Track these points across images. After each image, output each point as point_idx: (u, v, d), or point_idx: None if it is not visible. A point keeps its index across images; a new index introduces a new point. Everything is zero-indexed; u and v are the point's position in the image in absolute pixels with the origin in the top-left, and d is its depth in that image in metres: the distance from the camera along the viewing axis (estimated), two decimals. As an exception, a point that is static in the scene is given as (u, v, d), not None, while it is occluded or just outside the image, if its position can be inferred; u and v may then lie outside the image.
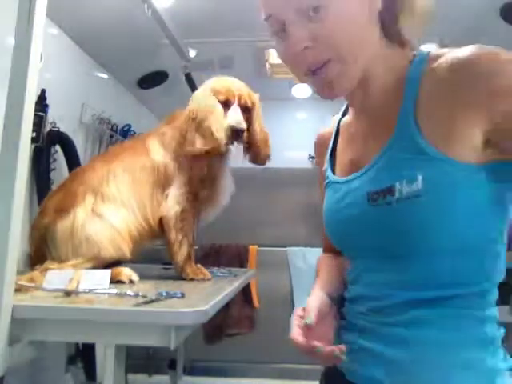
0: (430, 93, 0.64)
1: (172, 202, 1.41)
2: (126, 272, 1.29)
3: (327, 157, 0.85)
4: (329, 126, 0.89)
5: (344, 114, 0.85)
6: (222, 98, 1.44)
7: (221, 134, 1.40)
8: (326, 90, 0.70)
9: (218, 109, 1.42)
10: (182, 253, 1.42)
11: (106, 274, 1.13)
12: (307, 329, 0.70)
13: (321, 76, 0.67)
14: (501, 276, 0.68)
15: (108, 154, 1.55)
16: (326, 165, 0.84)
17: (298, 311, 0.75)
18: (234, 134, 1.42)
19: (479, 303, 0.65)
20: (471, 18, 2.09)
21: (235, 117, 1.43)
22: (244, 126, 1.43)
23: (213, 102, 1.43)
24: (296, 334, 0.71)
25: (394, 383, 0.66)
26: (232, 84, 1.48)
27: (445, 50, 0.66)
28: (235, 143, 1.49)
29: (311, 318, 0.71)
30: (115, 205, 1.35)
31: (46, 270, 1.17)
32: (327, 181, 0.82)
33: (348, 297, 0.78)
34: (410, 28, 0.71)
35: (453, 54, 0.63)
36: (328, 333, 0.71)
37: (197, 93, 1.50)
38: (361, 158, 0.73)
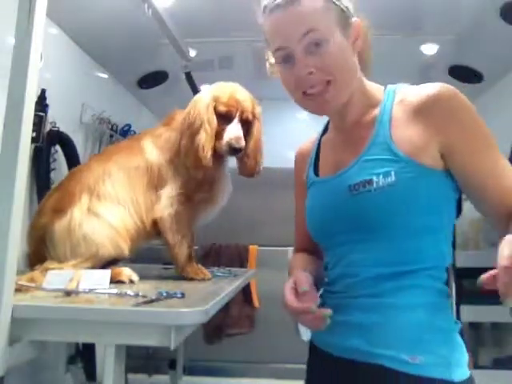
0: (401, 116, 0.84)
1: (164, 204, 1.39)
2: (126, 272, 1.29)
3: (311, 162, 1.01)
4: (307, 140, 1.09)
5: (325, 131, 1.04)
6: (223, 109, 1.39)
7: (208, 154, 1.36)
8: (320, 108, 0.89)
9: (212, 125, 1.38)
10: (182, 253, 1.41)
11: (106, 273, 1.13)
12: (301, 296, 0.84)
13: (318, 96, 0.85)
14: (450, 259, 0.85)
15: (104, 154, 1.54)
16: (309, 171, 1.00)
17: (288, 284, 0.89)
18: (232, 150, 1.40)
19: (436, 277, 0.82)
20: (471, 18, 2.09)
21: (234, 133, 1.38)
22: (242, 144, 1.39)
23: (210, 116, 1.38)
24: (290, 300, 0.85)
25: (372, 345, 0.80)
26: (236, 94, 1.42)
27: (406, 86, 0.88)
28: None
29: (306, 286, 0.85)
30: (111, 203, 1.34)
31: (46, 269, 1.17)
32: (311, 182, 0.98)
33: (327, 281, 0.93)
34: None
35: (419, 89, 0.84)
36: (313, 302, 0.84)
37: (197, 98, 1.45)
38: (341, 163, 0.90)
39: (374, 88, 0.92)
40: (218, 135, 1.40)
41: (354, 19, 0.86)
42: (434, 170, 0.81)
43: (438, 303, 0.82)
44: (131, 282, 1.27)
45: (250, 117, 1.44)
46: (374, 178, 0.80)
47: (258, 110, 1.49)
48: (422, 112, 0.82)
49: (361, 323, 0.82)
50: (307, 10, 0.82)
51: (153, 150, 1.45)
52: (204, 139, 1.36)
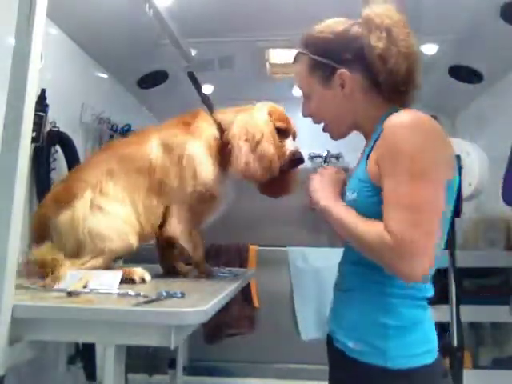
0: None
1: (175, 223, 1.41)
2: (139, 271, 1.27)
3: None
4: None
5: None
6: (282, 125, 1.42)
7: (277, 163, 1.38)
8: (331, 137, 1.12)
9: (275, 137, 1.40)
10: (198, 254, 1.47)
11: (117, 274, 1.12)
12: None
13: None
14: None
15: (110, 149, 1.50)
16: None
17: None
18: (297, 161, 1.42)
19: (387, 277, 0.91)
20: (471, 17, 2.08)
21: (296, 146, 1.43)
22: (303, 156, 1.44)
23: (272, 129, 1.40)
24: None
25: (336, 331, 1.01)
26: (290, 118, 1.48)
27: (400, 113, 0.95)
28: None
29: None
30: (114, 200, 1.33)
31: (63, 268, 1.18)
32: None
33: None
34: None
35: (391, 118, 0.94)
36: None
37: (255, 111, 1.45)
38: None
39: (383, 110, 1.01)
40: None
41: (338, 72, 1.01)
42: (381, 188, 0.93)
43: (386, 303, 0.94)
44: (143, 281, 1.26)
45: (295, 136, 1.48)
46: (347, 193, 1.00)
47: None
48: (380, 138, 0.94)
49: (335, 312, 1.05)
50: (296, 72, 1.09)
51: (159, 150, 1.41)
52: (272, 149, 1.37)
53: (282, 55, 2.94)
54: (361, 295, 0.98)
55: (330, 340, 1.06)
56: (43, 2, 0.96)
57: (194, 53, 2.56)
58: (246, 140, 1.37)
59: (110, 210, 1.31)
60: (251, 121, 1.40)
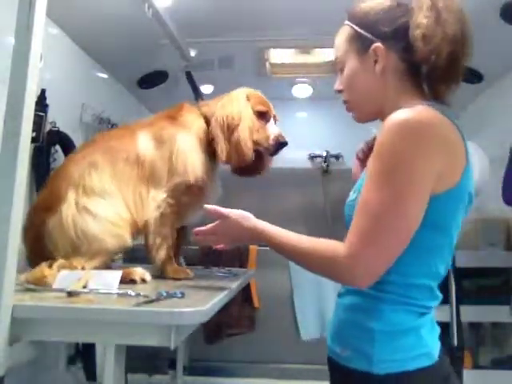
0: None
1: (152, 207, 1.37)
2: (139, 271, 1.27)
3: None
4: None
5: None
6: (261, 108, 1.43)
7: (251, 149, 1.38)
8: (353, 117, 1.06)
9: (253, 121, 1.40)
10: (160, 256, 1.38)
11: (117, 275, 1.12)
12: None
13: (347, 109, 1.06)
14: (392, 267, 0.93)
15: (92, 143, 1.48)
16: None
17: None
18: (279, 145, 1.42)
19: (376, 282, 0.87)
20: (471, 18, 2.08)
21: (278, 130, 1.43)
22: (286, 139, 1.43)
23: (250, 113, 1.40)
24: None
25: (329, 339, 1.00)
26: (268, 101, 1.48)
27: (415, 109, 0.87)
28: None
29: None
30: (100, 197, 1.31)
31: (58, 267, 1.17)
32: None
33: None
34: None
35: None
36: None
37: (234, 95, 1.46)
38: None
39: (411, 103, 0.92)
40: (255, 133, 1.43)
41: (374, 45, 0.95)
42: None
43: (374, 309, 0.90)
44: (143, 281, 1.25)
45: (276, 119, 1.49)
46: (351, 193, 0.98)
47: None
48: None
49: (331, 321, 1.03)
50: (335, 44, 1.04)
51: (149, 143, 1.41)
52: (247, 135, 1.37)
53: (281, 55, 2.95)
54: (349, 301, 0.96)
55: (328, 352, 1.03)
56: (43, 2, 0.96)
57: (193, 53, 2.56)
58: (223, 127, 1.39)
59: (97, 211, 1.29)
60: (229, 108, 1.41)
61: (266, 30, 2.37)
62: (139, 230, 1.39)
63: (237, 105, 1.42)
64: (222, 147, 1.38)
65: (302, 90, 3.25)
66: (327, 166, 3.37)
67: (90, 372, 1.93)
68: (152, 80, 2.80)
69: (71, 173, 1.34)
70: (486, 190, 2.36)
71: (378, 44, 0.95)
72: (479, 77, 2.54)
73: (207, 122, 1.46)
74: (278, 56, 2.92)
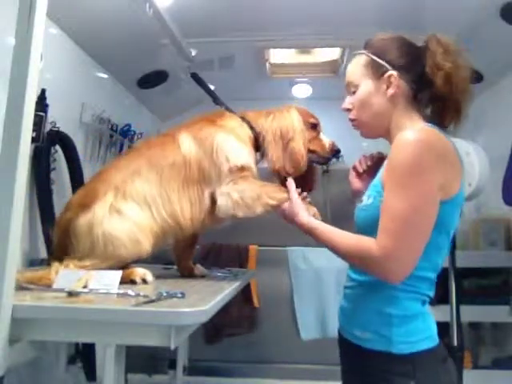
0: None
1: (223, 201, 1.38)
2: (140, 271, 1.26)
3: None
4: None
5: None
6: (313, 121, 1.50)
7: (305, 160, 1.44)
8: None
9: (306, 133, 1.47)
10: (278, 197, 1.40)
11: (117, 274, 1.11)
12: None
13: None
14: None
15: (134, 152, 1.51)
16: None
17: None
18: (335, 152, 1.52)
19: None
20: (471, 18, 2.08)
21: (330, 139, 1.51)
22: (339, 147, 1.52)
23: (303, 126, 1.47)
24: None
25: (346, 324, 1.13)
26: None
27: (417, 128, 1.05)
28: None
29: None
30: (137, 203, 1.31)
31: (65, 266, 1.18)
32: None
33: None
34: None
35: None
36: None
37: (286, 109, 1.51)
38: None
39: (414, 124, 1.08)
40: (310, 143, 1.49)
41: (389, 72, 1.09)
42: None
43: (390, 295, 1.03)
44: (144, 281, 1.25)
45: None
46: (364, 197, 1.10)
47: None
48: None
49: (344, 308, 1.15)
50: (349, 69, 1.17)
51: (191, 143, 1.41)
52: (302, 144, 1.44)
53: (282, 55, 2.95)
54: (367, 290, 1.08)
55: (340, 336, 1.17)
56: (43, 2, 0.96)
57: (193, 53, 2.56)
58: (279, 138, 1.45)
59: (127, 212, 1.29)
60: (283, 121, 1.47)
61: (266, 30, 2.38)
62: (182, 230, 1.38)
63: (290, 118, 1.48)
64: (276, 155, 1.43)
65: (301, 90, 3.25)
66: (327, 165, 3.38)
67: (90, 372, 1.93)
68: (152, 80, 2.80)
69: (114, 177, 1.34)
70: (486, 190, 2.36)
71: (393, 72, 1.09)
72: (479, 77, 2.54)
73: (251, 128, 1.49)
74: (278, 56, 2.93)
